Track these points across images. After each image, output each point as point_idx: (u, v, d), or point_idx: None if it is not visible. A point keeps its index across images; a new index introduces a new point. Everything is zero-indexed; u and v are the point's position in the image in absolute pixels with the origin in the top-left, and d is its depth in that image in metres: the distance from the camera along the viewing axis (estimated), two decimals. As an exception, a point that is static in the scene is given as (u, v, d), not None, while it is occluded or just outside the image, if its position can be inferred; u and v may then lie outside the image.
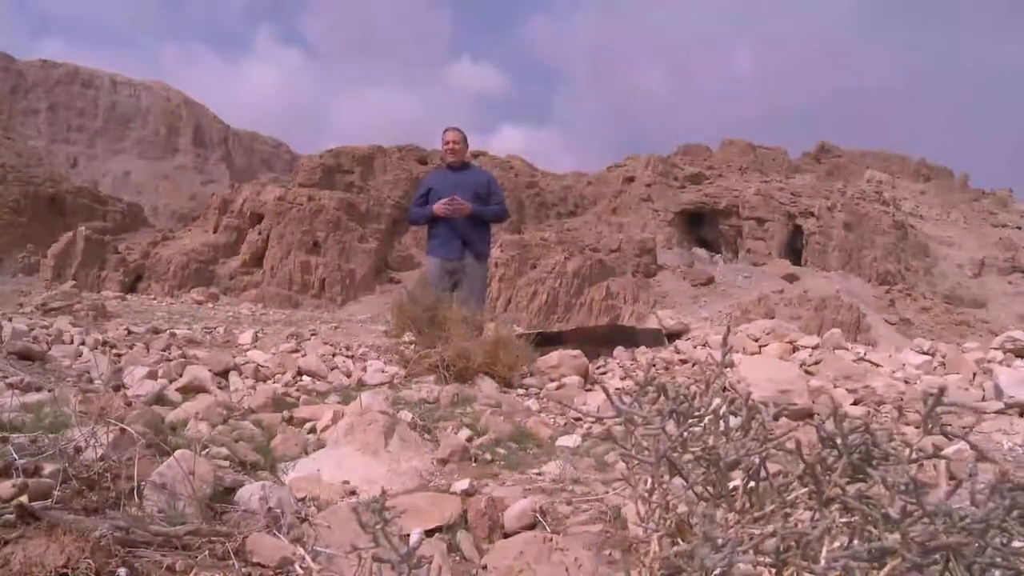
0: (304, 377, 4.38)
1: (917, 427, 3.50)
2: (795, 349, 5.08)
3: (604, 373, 4.95)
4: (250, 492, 1.74)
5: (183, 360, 4.59)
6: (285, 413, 3.11)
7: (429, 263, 5.84)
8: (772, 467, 1.07)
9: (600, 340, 5.97)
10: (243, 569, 1.35)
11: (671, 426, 1.05)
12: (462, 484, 2.07)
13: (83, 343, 5.36)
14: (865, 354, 4.99)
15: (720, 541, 0.80)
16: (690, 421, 1.06)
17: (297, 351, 5.46)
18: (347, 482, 2.11)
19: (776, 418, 1.09)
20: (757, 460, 1.02)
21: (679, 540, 1.06)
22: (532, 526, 1.81)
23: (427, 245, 5.94)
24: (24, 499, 1.39)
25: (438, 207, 5.52)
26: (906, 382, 4.30)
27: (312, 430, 2.84)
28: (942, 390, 0.85)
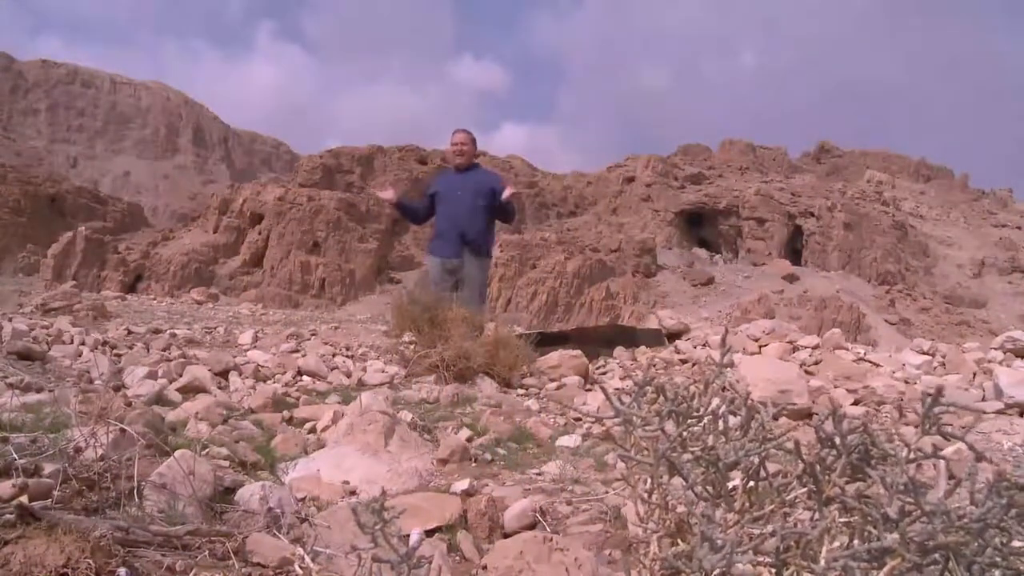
0: (304, 377, 4.38)
1: (917, 427, 3.50)
2: (795, 349, 5.07)
3: (604, 373, 4.94)
4: (250, 492, 1.74)
5: (183, 360, 4.59)
6: (285, 413, 3.11)
7: (430, 262, 5.83)
8: (771, 467, 1.07)
9: (600, 340, 5.96)
10: (243, 569, 1.35)
11: (670, 426, 1.05)
12: (462, 484, 2.07)
13: (83, 343, 5.36)
14: (865, 354, 4.99)
15: (719, 541, 0.80)
16: (689, 421, 1.06)
17: (297, 351, 5.47)
18: (347, 482, 2.12)
19: (775, 418, 1.09)
20: (756, 460, 1.02)
21: (679, 540, 1.06)
22: (532, 526, 1.81)
23: (428, 244, 5.94)
24: (24, 499, 1.39)
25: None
26: (906, 382, 4.30)
27: (312, 430, 2.85)
28: (940, 389, 0.85)
